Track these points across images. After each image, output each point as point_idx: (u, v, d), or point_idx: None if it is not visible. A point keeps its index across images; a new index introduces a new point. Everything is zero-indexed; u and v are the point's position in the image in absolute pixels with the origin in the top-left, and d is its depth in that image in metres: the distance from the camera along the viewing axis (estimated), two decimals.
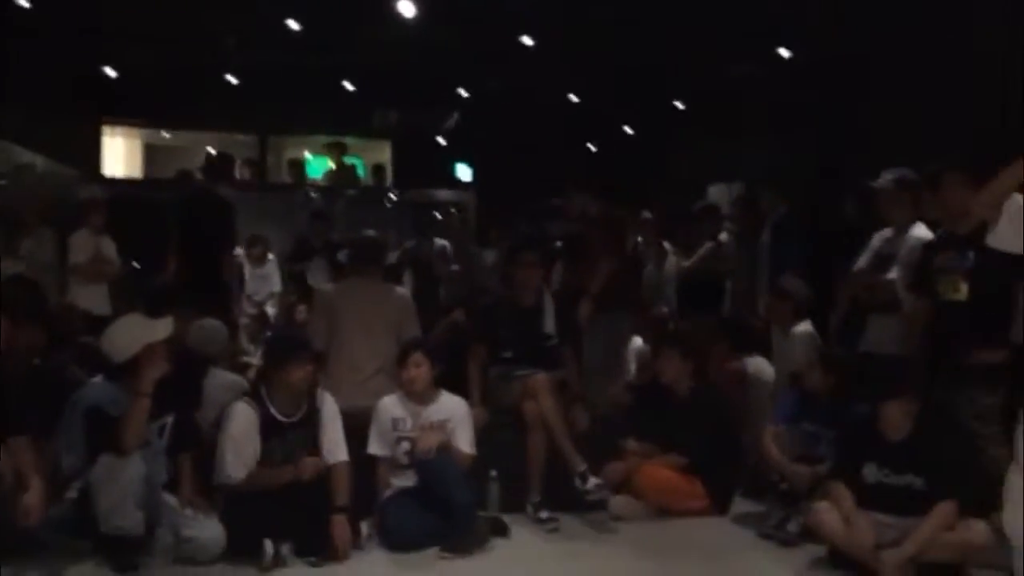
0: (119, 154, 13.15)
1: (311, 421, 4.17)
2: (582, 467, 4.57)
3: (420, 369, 4.49)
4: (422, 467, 4.31)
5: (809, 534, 4.23)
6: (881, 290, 4.76)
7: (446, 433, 4.44)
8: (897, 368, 4.19)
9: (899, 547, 3.75)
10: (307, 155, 13.07)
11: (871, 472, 3.99)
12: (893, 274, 4.71)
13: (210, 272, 5.89)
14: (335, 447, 4.17)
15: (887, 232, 4.90)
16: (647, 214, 9.07)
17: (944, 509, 3.76)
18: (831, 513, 3.99)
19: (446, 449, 4.36)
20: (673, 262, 8.13)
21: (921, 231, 4.68)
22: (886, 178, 4.81)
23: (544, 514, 4.59)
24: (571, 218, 6.67)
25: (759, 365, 5.66)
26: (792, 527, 4.38)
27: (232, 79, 10.73)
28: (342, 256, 7.31)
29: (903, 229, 4.76)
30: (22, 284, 4.55)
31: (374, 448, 4.46)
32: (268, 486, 4.00)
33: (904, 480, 3.93)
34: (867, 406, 4.09)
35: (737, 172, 9.77)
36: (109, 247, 7.33)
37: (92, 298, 7.04)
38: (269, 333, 7.57)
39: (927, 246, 4.51)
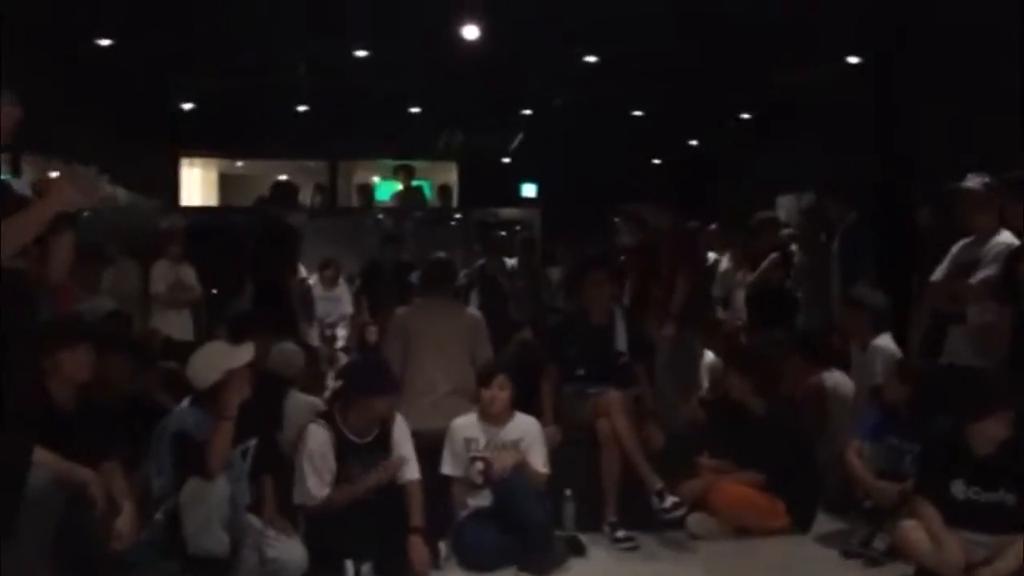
0: (196, 184, 13.58)
1: (383, 442, 4.22)
2: (659, 485, 4.53)
3: (504, 391, 4.52)
4: (497, 487, 4.32)
5: (896, 553, 4.12)
6: (964, 297, 4.62)
7: (520, 453, 4.45)
8: (986, 384, 4.05)
9: (991, 566, 3.63)
10: (375, 179, 13.32)
11: (959, 489, 3.87)
12: (976, 279, 4.56)
13: (280, 296, 6.02)
14: (407, 467, 4.21)
15: (967, 240, 4.76)
16: (714, 227, 9.03)
17: None
18: (919, 531, 3.87)
19: (520, 468, 4.37)
20: (739, 275, 8.05)
21: (1007, 237, 4.52)
22: (975, 180, 4.64)
23: (621, 533, 4.56)
24: (640, 231, 6.65)
25: (837, 380, 5.54)
26: (878, 545, 4.27)
27: (301, 107, 11.00)
28: (414, 278, 7.42)
29: (987, 236, 4.60)
30: (112, 316, 4.71)
31: (448, 468, 4.50)
32: (350, 499, 4.04)
33: (995, 497, 3.80)
34: (951, 420, 3.98)
35: (806, 181, 9.61)
36: (189, 274, 7.57)
37: (174, 325, 7.28)
38: (345, 356, 7.73)
39: (1013, 252, 4.36)
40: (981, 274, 4.52)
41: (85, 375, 3.89)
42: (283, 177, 11.52)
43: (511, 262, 9.31)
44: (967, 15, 6.84)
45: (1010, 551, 3.64)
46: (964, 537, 3.79)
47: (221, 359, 3.99)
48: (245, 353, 4.02)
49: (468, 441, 4.50)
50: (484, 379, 4.56)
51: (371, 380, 4.25)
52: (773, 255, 7.27)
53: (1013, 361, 4.19)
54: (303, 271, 8.53)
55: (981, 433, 3.81)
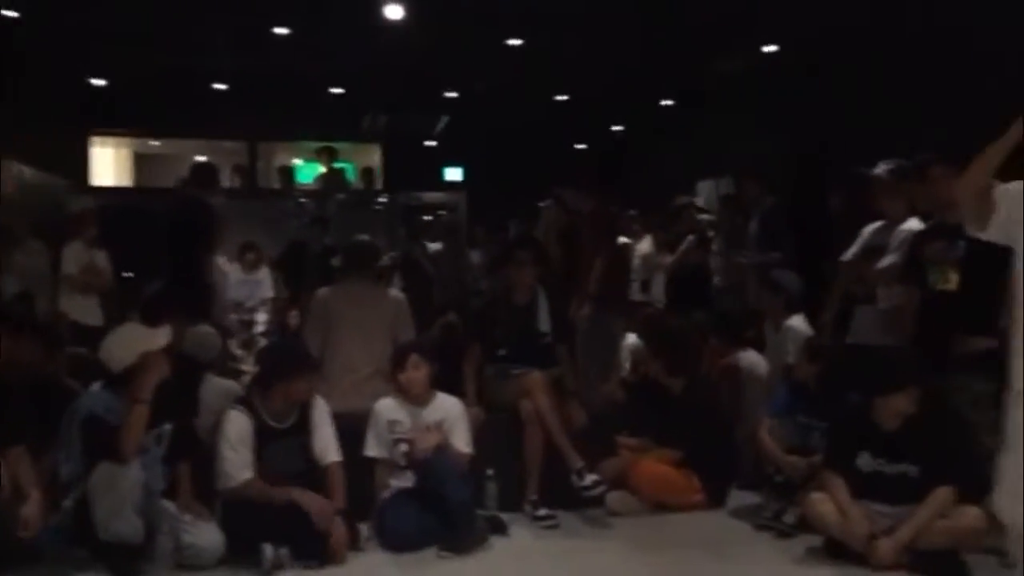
0: (108, 163, 13.14)
1: (303, 426, 4.18)
2: (579, 464, 4.59)
3: (419, 371, 4.51)
4: (420, 468, 4.32)
5: (806, 525, 4.26)
6: (871, 279, 4.79)
7: (443, 433, 4.46)
8: (894, 361, 4.22)
9: (893, 536, 3.79)
10: (297, 161, 13.10)
11: (865, 462, 4.03)
12: (884, 264, 4.74)
13: (195, 279, 5.89)
14: (327, 449, 4.18)
15: (878, 224, 4.93)
16: (633, 212, 9.16)
17: (939, 495, 3.81)
18: (826, 503, 4.02)
19: (443, 449, 4.37)
20: (658, 258, 8.21)
21: (914, 223, 4.70)
22: (882, 168, 4.81)
23: (542, 511, 4.61)
24: (563, 214, 6.70)
25: (752, 359, 5.69)
26: (788, 518, 4.41)
27: (220, 86, 10.72)
28: (335, 260, 7.34)
29: (896, 221, 4.77)
30: (19, 298, 4.55)
31: (371, 450, 4.47)
32: (265, 500, 3.98)
33: (899, 469, 3.97)
34: (858, 396, 4.13)
35: (725, 167, 9.82)
36: (101, 258, 7.34)
37: (84, 309, 7.06)
38: (265, 341, 7.60)
39: (917, 236, 4.53)
40: (888, 259, 4.70)
41: None
42: (202, 158, 11.24)
43: (435, 246, 9.28)
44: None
45: (911, 521, 3.80)
46: (870, 508, 3.95)
47: (137, 341, 3.90)
48: (162, 336, 3.94)
49: (391, 423, 4.49)
50: (399, 360, 4.55)
51: (288, 363, 4.20)
52: (690, 238, 7.42)
53: (918, 340, 4.36)
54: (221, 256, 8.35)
55: (887, 408, 3.97)
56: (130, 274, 7.80)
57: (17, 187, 9.53)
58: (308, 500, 3.95)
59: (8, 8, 7.60)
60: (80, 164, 11.90)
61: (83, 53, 9.23)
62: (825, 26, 7.71)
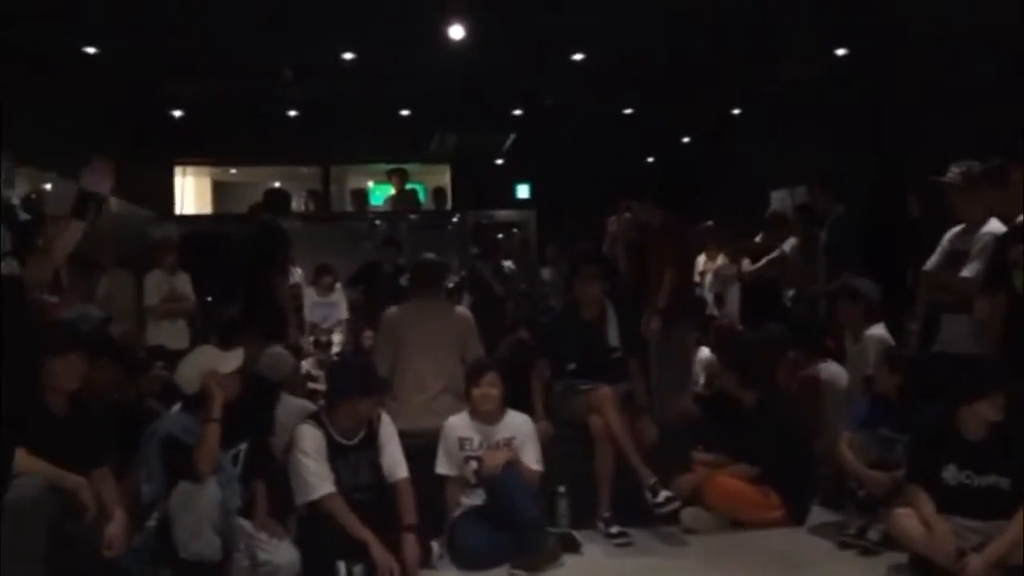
0: (190, 192, 13.58)
1: (370, 442, 4.21)
2: (652, 480, 4.52)
3: (494, 389, 4.52)
4: (490, 485, 4.32)
5: (890, 541, 4.11)
6: (955, 288, 4.63)
7: (513, 451, 4.45)
8: (978, 367, 4.05)
9: (982, 553, 3.63)
10: (370, 183, 13.34)
11: (951, 474, 3.88)
12: (967, 271, 4.57)
13: (270, 301, 6.04)
14: (395, 466, 4.20)
15: (958, 228, 4.77)
16: (710, 223, 9.04)
17: None
18: (911, 519, 3.88)
19: (513, 466, 4.36)
20: (733, 271, 8.08)
21: (994, 226, 4.53)
22: (954, 171, 4.66)
23: (615, 528, 4.55)
24: (633, 229, 6.65)
25: (832, 371, 5.54)
26: (872, 535, 4.27)
27: (292, 112, 10.99)
28: (403, 280, 7.43)
29: (975, 225, 4.61)
30: (90, 322, 4.72)
31: (442, 468, 4.49)
32: (342, 525, 4.00)
33: (988, 481, 3.82)
34: (942, 406, 3.97)
35: (799, 176, 9.61)
36: (184, 284, 7.59)
37: (170, 334, 7.30)
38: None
39: (1000, 240, 4.36)
40: (970, 267, 4.53)
41: (76, 383, 3.89)
42: (276, 184, 11.50)
43: (507, 264, 9.32)
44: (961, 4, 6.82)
45: (1001, 537, 3.64)
46: (958, 523, 3.80)
47: (206, 364, 3.99)
48: (232, 358, 4.03)
49: (462, 440, 4.50)
50: (473, 377, 4.56)
51: (355, 382, 4.24)
52: (775, 252, 7.28)
53: (1005, 347, 4.18)
54: (298, 277, 8.53)
55: (972, 417, 3.82)
56: (210, 299, 8.02)
57: (104, 219, 9.91)
58: (378, 552, 3.92)
59: (88, 44, 7.92)
60: (164, 194, 12.32)
61: (161, 85, 9.56)
62: (897, 25, 7.49)
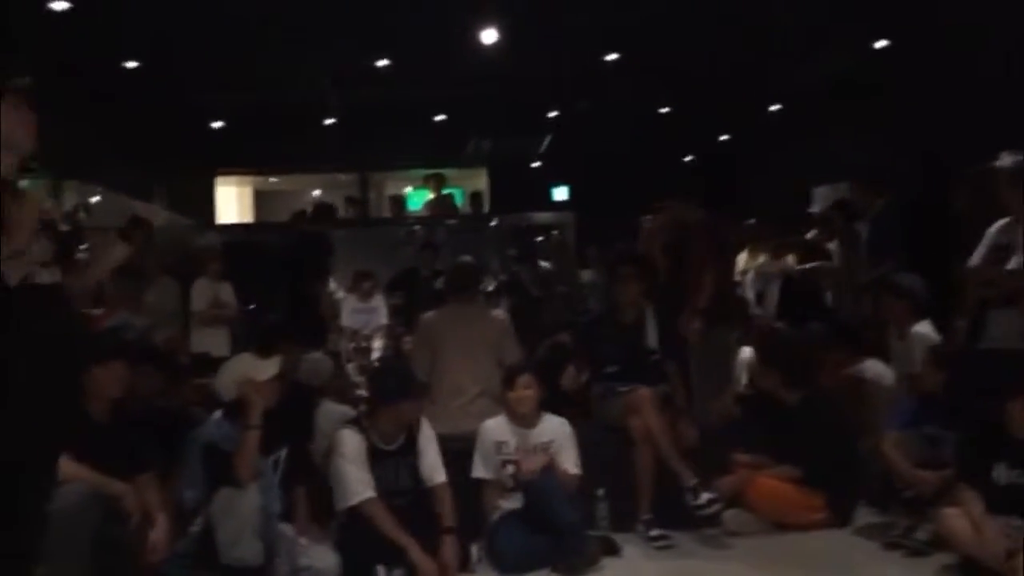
0: (232, 201, 13.79)
1: (410, 447, 4.22)
2: (692, 481, 4.47)
3: (529, 392, 4.50)
4: (528, 489, 4.30)
5: (939, 542, 4.02)
6: (1002, 282, 4.50)
7: (550, 454, 4.42)
8: (1022, 362, 3.95)
9: None
10: (408, 189, 13.42)
11: (1002, 474, 3.79)
12: (1014, 264, 4.45)
13: (309, 308, 6.10)
14: (434, 470, 4.20)
15: (1003, 221, 4.64)
16: (752, 221, 8.92)
17: None
18: (960, 519, 3.79)
19: (550, 470, 4.34)
20: (775, 267, 7.96)
21: None
22: (1006, 159, 4.53)
23: (655, 531, 4.51)
24: (671, 229, 6.59)
25: (878, 369, 5.43)
26: (920, 535, 4.18)
27: (329, 120, 11.11)
28: (439, 283, 7.46)
29: (1021, 217, 4.48)
30: (133, 331, 4.80)
31: (479, 471, 4.49)
32: (382, 530, 4.01)
33: None
34: (991, 404, 3.87)
35: (840, 171, 9.46)
36: (227, 292, 7.70)
37: (213, 341, 7.41)
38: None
39: None
40: (1017, 259, 4.41)
41: (119, 390, 3.96)
42: (317, 192, 11.58)
43: (545, 266, 9.29)
44: None
45: None
46: (1008, 524, 3.69)
47: (243, 371, 4.04)
48: (270, 367, 4.06)
49: (498, 444, 4.49)
50: (509, 380, 4.55)
51: (395, 386, 4.25)
52: (825, 261, 7.14)
53: None
54: (334, 284, 8.60)
55: (1018, 415, 3.71)
56: (252, 306, 8.12)
57: (150, 229, 10.11)
58: (417, 556, 3.93)
59: (128, 59, 8.07)
60: (207, 203, 12.53)
61: (201, 97, 9.72)
62: (937, 16, 7.34)
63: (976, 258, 4.77)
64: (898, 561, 4.13)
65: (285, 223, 9.94)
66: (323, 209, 8.00)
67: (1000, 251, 4.59)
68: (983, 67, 7.65)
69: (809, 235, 7.69)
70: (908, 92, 8.75)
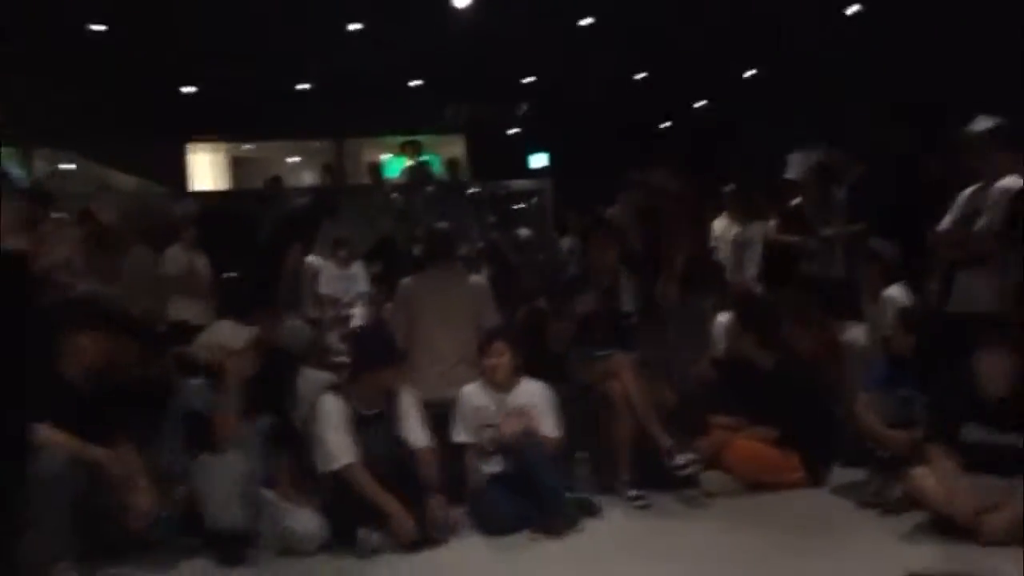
0: (206, 168, 13.64)
1: (391, 413, 4.25)
2: (669, 443, 4.54)
3: (502, 358, 4.53)
4: (508, 453, 4.35)
5: (912, 501, 4.11)
6: (970, 245, 4.57)
7: (529, 418, 4.47)
8: (991, 323, 4.02)
9: (1000, 512, 3.62)
10: (384, 156, 13.32)
11: (971, 432, 3.86)
12: (980, 226, 4.51)
13: (291, 276, 6.06)
14: (417, 435, 4.24)
15: (974, 187, 4.70)
16: (731, 186, 8.95)
17: None
18: (929, 478, 3.88)
19: (531, 434, 4.38)
20: (753, 232, 8.00)
21: (1009, 181, 4.45)
22: (980, 124, 4.57)
23: (633, 492, 4.58)
24: (647, 196, 6.61)
25: (854, 332, 5.51)
26: (893, 494, 4.26)
27: (304, 87, 10.97)
28: (416, 250, 7.45)
29: (991, 181, 4.53)
30: (108, 301, 4.78)
31: (459, 436, 4.52)
32: (364, 494, 4.04)
33: (1007, 439, 3.79)
34: (960, 365, 3.95)
35: (816, 137, 9.50)
36: (202, 260, 7.62)
37: (191, 310, 7.35)
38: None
39: (1016, 195, 4.30)
40: (984, 222, 4.47)
41: (97, 358, 3.95)
42: (294, 160, 11.44)
43: (524, 232, 9.30)
44: None
45: (1019, 495, 3.62)
46: (978, 482, 3.78)
47: (222, 339, 4.04)
48: (244, 334, 4.07)
49: (477, 409, 4.53)
50: (482, 347, 4.58)
51: (377, 352, 4.27)
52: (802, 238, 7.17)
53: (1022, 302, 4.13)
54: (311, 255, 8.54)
55: (987, 372, 3.78)
56: (232, 274, 8.07)
57: (123, 197, 10.01)
58: (398, 517, 3.97)
59: (97, 23, 7.91)
60: (180, 171, 12.39)
61: (172, 64, 9.57)
62: None
63: (946, 222, 4.84)
64: (872, 519, 4.21)
65: (259, 190, 9.87)
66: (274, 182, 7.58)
67: (970, 215, 4.65)
68: (957, 34, 7.69)
69: (794, 202, 7.71)
70: (888, 59, 8.79)
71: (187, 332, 6.14)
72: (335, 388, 4.30)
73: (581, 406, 4.83)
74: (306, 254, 6.27)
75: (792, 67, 9.95)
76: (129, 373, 4.53)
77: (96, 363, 3.95)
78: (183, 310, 7.25)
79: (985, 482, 3.78)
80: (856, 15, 8.48)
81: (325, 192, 7.17)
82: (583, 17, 8.67)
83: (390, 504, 4.00)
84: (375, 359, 4.21)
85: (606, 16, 8.56)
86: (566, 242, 10.04)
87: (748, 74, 11.05)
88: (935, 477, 3.86)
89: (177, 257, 7.49)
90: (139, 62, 8.89)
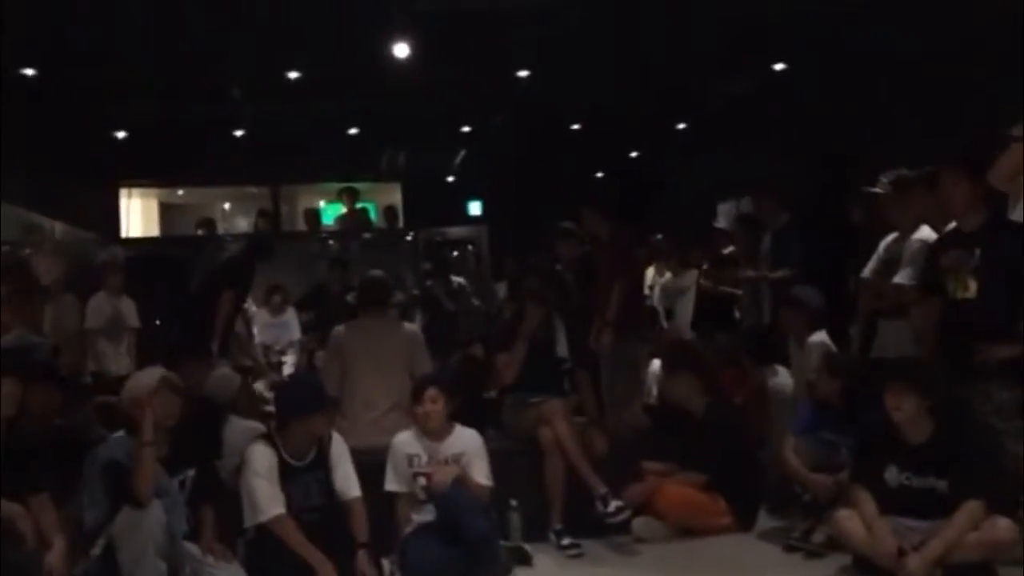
0: (137, 215, 13.39)
1: (322, 462, 4.19)
2: (602, 490, 4.56)
3: (435, 405, 4.49)
4: (439, 501, 4.30)
5: (835, 544, 4.18)
6: (889, 295, 4.74)
7: (461, 466, 4.43)
8: (906, 365, 4.16)
9: (920, 552, 3.71)
10: (321, 203, 13.27)
11: (892, 476, 3.97)
12: (899, 278, 4.68)
13: (214, 321, 5.95)
14: (348, 484, 4.18)
15: (892, 236, 4.88)
16: (659, 237, 9.14)
17: (969, 509, 3.72)
18: (853, 520, 3.95)
19: (462, 482, 4.35)
20: (682, 282, 8.17)
21: (925, 232, 4.65)
22: (882, 182, 4.80)
23: (566, 540, 4.58)
24: (580, 242, 6.70)
25: (779, 379, 5.63)
26: (817, 537, 4.35)
27: (239, 132, 10.90)
28: (350, 298, 7.40)
29: (906, 232, 4.73)
30: (30, 348, 4.65)
31: (391, 485, 4.47)
32: (292, 547, 3.96)
33: (927, 483, 3.90)
34: (882, 410, 4.06)
35: (744, 186, 9.79)
36: (128, 307, 7.45)
37: (112, 358, 7.17)
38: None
39: (933, 246, 4.48)
40: (902, 273, 4.64)
41: (11, 408, 3.83)
42: (227, 207, 11.24)
43: (458, 280, 9.32)
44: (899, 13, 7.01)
45: (940, 535, 3.71)
46: (899, 523, 3.87)
47: (142, 386, 3.96)
48: (151, 375, 3.99)
49: (410, 457, 4.48)
50: (415, 394, 4.54)
51: (304, 400, 4.22)
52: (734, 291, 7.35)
53: (941, 350, 4.28)
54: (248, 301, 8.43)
55: (904, 413, 3.89)
56: (158, 321, 7.90)
57: (49, 243, 9.78)
58: (326, 574, 3.91)
59: (27, 66, 7.78)
60: (110, 217, 12.14)
61: (104, 106, 9.43)
62: (832, 42, 7.69)
63: (867, 271, 5.01)
64: (797, 563, 4.28)
65: (191, 236, 9.74)
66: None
67: (889, 264, 4.83)
68: (879, 87, 8.04)
69: (726, 251, 7.89)
70: (809, 111, 9.12)
71: (110, 382, 6.01)
72: (264, 437, 4.22)
73: (514, 453, 4.82)
74: (241, 301, 6.11)
75: (721, 119, 10.24)
76: (49, 423, 4.42)
77: (8, 412, 3.81)
78: (106, 359, 7.08)
79: (907, 524, 3.87)
80: (783, 71, 8.82)
81: (259, 236, 6.99)
82: (519, 69, 8.83)
83: (315, 557, 3.92)
84: (302, 407, 4.16)
85: (541, 68, 8.73)
86: (501, 289, 10.11)
87: (680, 126, 11.34)
88: (858, 519, 3.93)
89: (101, 305, 7.31)
90: (71, 106, 8.74)
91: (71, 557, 3.79)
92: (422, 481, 4.42)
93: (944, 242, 4.39)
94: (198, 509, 4.09)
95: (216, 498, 4.18)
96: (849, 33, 7.55)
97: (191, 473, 4.08)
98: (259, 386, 7.07)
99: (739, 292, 7.20)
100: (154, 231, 13.35)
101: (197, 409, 4.45)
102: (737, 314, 7.24)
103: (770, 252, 6.55)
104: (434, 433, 4.50)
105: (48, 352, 5.57)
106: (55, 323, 7.22)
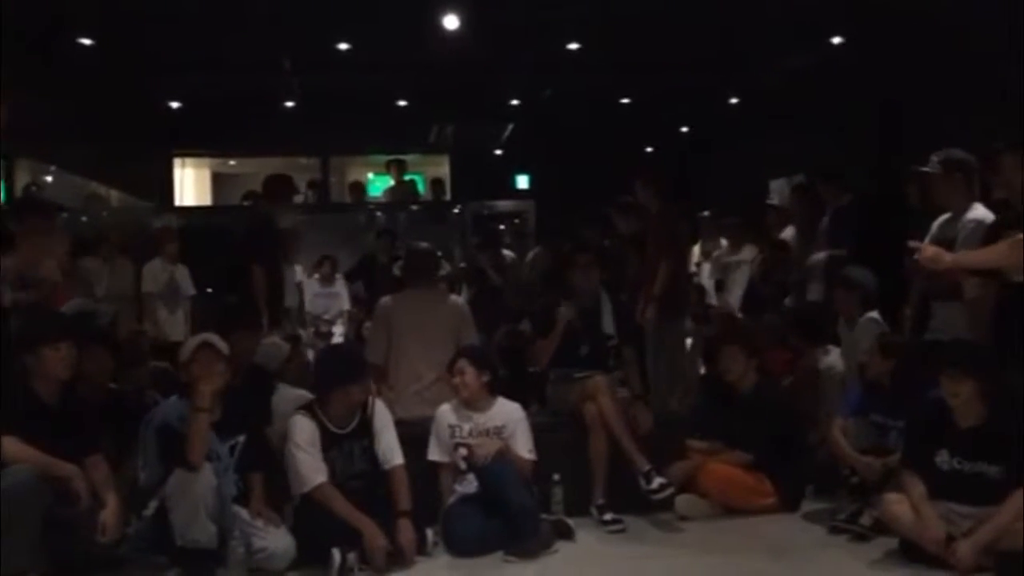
0: (190, 183, 13.62)
1: (365, 430, 4.24)
2: (646, 467, 4.55)
3: (464, 376, 4.51)
4: (481, 473, 4.34)
5: (882, 527, 4.13)
6: (942, 277, 4.62)
7: (502, 439, 4.46)
8: (964, 349, 4.06)
9: (970, 538, 3.64)
10: (369, 175, 13.35)
11: (943, 460, 3.90)
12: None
13: (271, 291, 6.00)
14: (391, 453, 4.22)
15: (944, 216, 4.77)
16: (707, 213, 9.03)
17: (1019, 496, 3.63)
18: (902, 504, 3.90)
19: (504, 455, 4.38)
20: (729, 258, 8.06)
21: (979, 212, 4.53)
22: (933, 161, 4.67)
23: (608, 515, 4.58)
24: (635, 219, 6.68)
25: (832, 359, 5.55)
26: (865, 520, 4.28)
27: (290, 104, 11.00)
28: (396, 269, 7.44)
29: (960, 212, 4.61)
30: (92, 314, 4.76)
31: (433, 454, 4.51)
32: (336, 513, 4.03)
33: (977, 468, 3.83)
34: (936, 393, 3.98)
35: (797, 166, 9.61)
36: (183, 274, 7.61)
37: (168, 324, 7.34)
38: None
39: (991, 227, 4.36)
40: (957, 252, 4.52)
41: (67, 372, 3.93)
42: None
43: (507, 253, 9.33)
44: None
45: (990, 522, 3.65)
46: (949, 509, 3.81)
47: (187, 348, 4.05)
48: (199, 341, 4.07)
49: (452, 428, 4.52)
50: (449, 366, 4.58)
51: (343, 369, 4.26)
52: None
53: (996, 333, 4.18)
54: (298, 268, 8.53)
55: (959, 398, 3.81)
56: (210, 290, 8.05)
57: (107, 211, 10.03)
58: (371, 536, 3.96)
59: (84, 36, 7.91)
60: (164, 186, 12.35)
61: (158, 79, 9.57)
62: (894, 13, 7.47)
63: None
64: (843, 545, 4.23)
65: (240, 205, 9.87)
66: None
67: (942, 245, 4.70)
68: (939, 60, 7.80)
69: (784, 233, 7.74)
70: (866, 88, 8.89)
71: (168, 347, 6.13)
72: (307, 407, 4.27)
73: (558, 427, 4.83)
74: (272, 274, 6.05)
75: (774, 96, 10.04)
76: (104, 387, 4.53)
77: (65, 376, 3.92)
78: (165, 325, 7.25)
79: (956, 509, 3.81)
80: (842, 45, 8.60)
81: (253, 213, 6.76)
82: (570, 41, 8.74)
83: (362, 522, 3.98)
84: (340, 377, 4.20)
85: (593, 42, 8.63)
86: (547, 263, 10.09)
87: (732, 101, 11.14)
88: (907, 503, 3.88)
89: (157, 271, 7.48)
90: (126, 76, 8.88)
91: (125, 516, 3.91)
92: (463, 452, 4.46)
93: (1002, 223, 4.28)
94: (248, 474, 4.17)
95: (265, 464, 4.26)
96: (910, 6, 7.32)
97: (241, 439, 4.16)
98: (310, 354, 7.18)
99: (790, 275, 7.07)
100: (206, 200, 13.55)
101: (247, 377, 4.54)
102: (787, 301, 7.10)
103: (829, 232, 6.45)
104: (474, 404, 4.53)
105: (108, 318, 5.69)
106: (110, 287, 7.41)
